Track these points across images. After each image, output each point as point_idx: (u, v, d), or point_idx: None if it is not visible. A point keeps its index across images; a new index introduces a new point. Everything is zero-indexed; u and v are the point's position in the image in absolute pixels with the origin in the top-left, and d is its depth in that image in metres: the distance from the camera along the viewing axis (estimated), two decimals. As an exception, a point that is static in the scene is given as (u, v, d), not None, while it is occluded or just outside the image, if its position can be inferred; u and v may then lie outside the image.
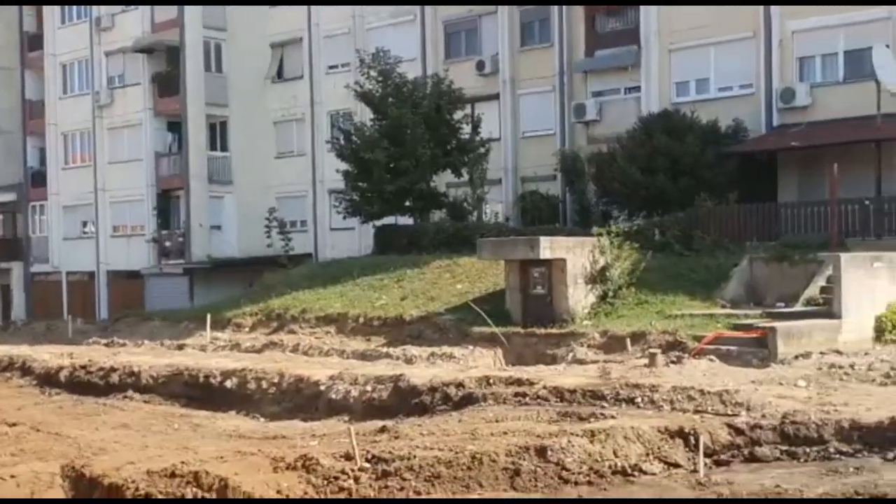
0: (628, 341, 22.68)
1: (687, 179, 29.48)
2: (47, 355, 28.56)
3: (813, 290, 23.68)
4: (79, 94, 50.77)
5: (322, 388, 21.60)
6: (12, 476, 14.52)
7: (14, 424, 19.58)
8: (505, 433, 15.16)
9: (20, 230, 54.36)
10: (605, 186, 32.49)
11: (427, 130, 33.83)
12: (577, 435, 14.59)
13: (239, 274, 42.19)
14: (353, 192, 35.58)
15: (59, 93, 51.85)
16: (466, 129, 35.53)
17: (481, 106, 37.65)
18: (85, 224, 50.98)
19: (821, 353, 20.58)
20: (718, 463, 14.50)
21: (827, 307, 22.52)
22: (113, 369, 25.55)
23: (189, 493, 12.68)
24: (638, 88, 34.70)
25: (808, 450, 14.53)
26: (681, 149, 29.89)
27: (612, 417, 15.97)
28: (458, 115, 35.46)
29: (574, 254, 25.78)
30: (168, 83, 46.21)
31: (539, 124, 37.65)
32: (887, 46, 28.02)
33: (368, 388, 20.92)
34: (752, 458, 14.56)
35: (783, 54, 31.23)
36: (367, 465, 13.72)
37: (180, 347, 29.66)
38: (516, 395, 18.33)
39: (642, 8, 34.15)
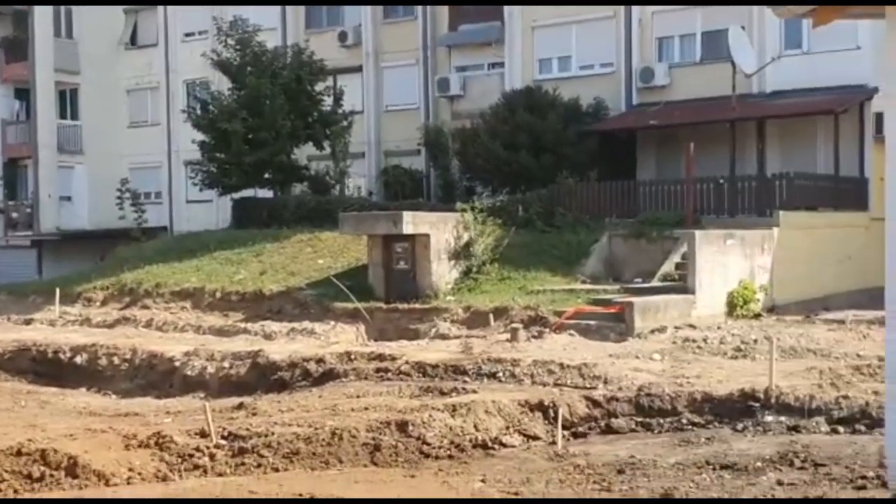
0: (491, 316, 22.78)
1: (549, 156, 29.75)
2: None
3: (669, 267, 24.24)
4: (-82, 58, 48.14)
5: (177, 364, 21.15)
6: None
7: None
8: (366, 409, 15.07)
9: None
10: (468, 162, 32.54)
11: (287, 101, 33.22)
12: (439, 409, 14.60)
13: (90, 247, 40.87)
14: (210, 164, 34.72)
15: None
16: (328, 101, 35.03)
17: (344, 78, 37.20)
18: (-73, 194, 48.50)
19: (675, 327, 21.10)
20: (576, 435, 14.70)
21: (682, 283, 23.08)
22: (-46, 345, 24.39)
23: (36, 471, 12.35)
24: (501, 64, 34.83)
25: (662, 421, 14.85)
26: (543, 126, 30.13)
27: (474, 392, 16.05)
28: (319, 86, 34.90)
29: (437, 229, 25.74)
30: (15, 48, 44.23)
31: (403, 98, 37.45)
32: (743, 28, 28.79)
33: (225, 364, 20.56)
34: (609, 430, 14.81)
35: (643, 34, 31.81)
36: (224, 442, 13.52)
37: (28, 322, 28.60)
38: (378, 370, 18.24)
39: (506, -16, 34.23)
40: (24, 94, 44.51)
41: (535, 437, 14.43)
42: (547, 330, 21.13)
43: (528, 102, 31.13)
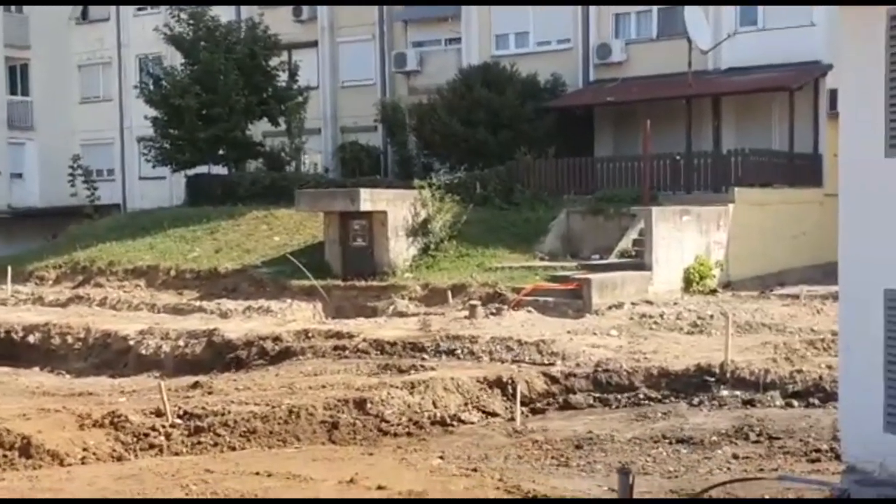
0: (449, 294, 22.74)
1: (507, 133, 29.68)
2: None
3: (626, 243, 24.32)
4: None
5: (131, 343, 20.95)
6: None
7: None
8: (324, 387, 15.02)
9: None
10: (425, 138, 32.36)
11: (241, 77, 32.81)
12: (397, 387, 14.58)
13: (42, 224, 40.31)
14: (163, 140, 34.23)
15: None
16: (283, 76, 34.66)
17: (299, 53, 36.83)
18: None
19: (632, 303, 21.21)
20: (535, 411, 14.76)
21: (639, 259, 23.17)
22: None
23: (-11, 450, 12.16)
24: (459, 40, 34.59)
25: (619, 396, 14.97)
26: (500, 102, 30.04)
27: (432, 369, 16.04)
28: (274, 61, 34.48)
29: (395, 206, 25.62)
30: (-38, 22, 43.29)
31: (359, 73, 37.10)
32: (699, 5, 28.78)
33: (181, 342, 20.39)
34: (567, 406, 14.91)
35: (600, 10, 31.72)
36: (179, 421, 13.44)
37: (-22, 302, 28.08)
38: (336, 348, 18.17)
39: (463, -42, 33.98)
40: (-29, 69, 43.65)
41: (494, 414, 14.48)
42: (505, 307, 21.13)
43: (486, 78, 31.01)
